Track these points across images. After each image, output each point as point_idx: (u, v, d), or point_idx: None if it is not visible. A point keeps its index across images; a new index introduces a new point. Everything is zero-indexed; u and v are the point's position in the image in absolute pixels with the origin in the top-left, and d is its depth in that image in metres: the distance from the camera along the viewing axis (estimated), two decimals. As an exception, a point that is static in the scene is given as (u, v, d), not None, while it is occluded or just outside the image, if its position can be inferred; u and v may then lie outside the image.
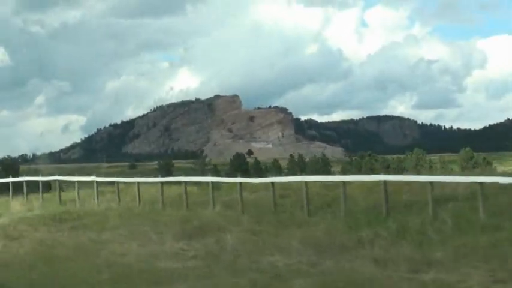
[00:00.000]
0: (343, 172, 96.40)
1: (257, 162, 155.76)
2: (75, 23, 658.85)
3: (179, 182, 29.51)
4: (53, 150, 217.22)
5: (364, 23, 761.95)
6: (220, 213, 22.69)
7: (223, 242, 16.44)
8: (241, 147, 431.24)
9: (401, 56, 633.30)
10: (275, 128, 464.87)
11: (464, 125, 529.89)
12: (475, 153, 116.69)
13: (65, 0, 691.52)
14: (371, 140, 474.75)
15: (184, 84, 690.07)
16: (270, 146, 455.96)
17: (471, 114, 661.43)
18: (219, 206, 25.05)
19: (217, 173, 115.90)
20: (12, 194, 38.14)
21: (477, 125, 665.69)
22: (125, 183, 33.79)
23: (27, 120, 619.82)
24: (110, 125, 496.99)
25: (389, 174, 25.82)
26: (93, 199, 31.97)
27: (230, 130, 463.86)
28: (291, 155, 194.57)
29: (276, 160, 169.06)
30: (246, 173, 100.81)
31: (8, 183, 39.62)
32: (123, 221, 21.89)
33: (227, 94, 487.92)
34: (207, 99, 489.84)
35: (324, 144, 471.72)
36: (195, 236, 17.79)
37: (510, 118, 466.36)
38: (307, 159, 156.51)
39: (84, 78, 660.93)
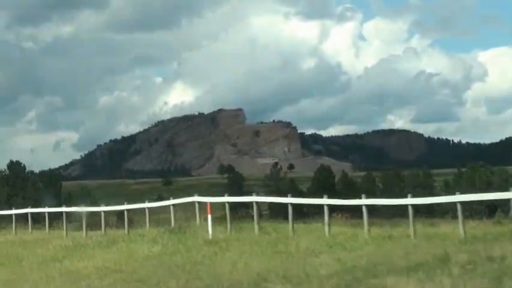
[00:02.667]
0: (452, 187, 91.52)
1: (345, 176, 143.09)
2: (68, 38, 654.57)
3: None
4: (45, 168, 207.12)
5: (362, 36, 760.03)
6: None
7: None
8: (246, 163, 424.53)
9: (401, 69, 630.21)
10: (280, 143, 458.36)
11: (464, 139, 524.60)
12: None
13: (58, 14, 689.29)
14: (378, 154, 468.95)
15: (178, 98, 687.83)
16: (275, 161, 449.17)
17: (470, 129, 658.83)
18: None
19: (296, 190, 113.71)
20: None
21: (476, 139, 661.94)
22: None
23: (17, 136, 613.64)
24: (111, 141, 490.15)
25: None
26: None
27: (234, 145, 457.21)
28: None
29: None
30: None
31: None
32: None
33: (230, 108, 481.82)
34: (210, 114, 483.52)
35: (331, 159, 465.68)
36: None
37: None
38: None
39: (76, 93, 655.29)
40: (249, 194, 28.44)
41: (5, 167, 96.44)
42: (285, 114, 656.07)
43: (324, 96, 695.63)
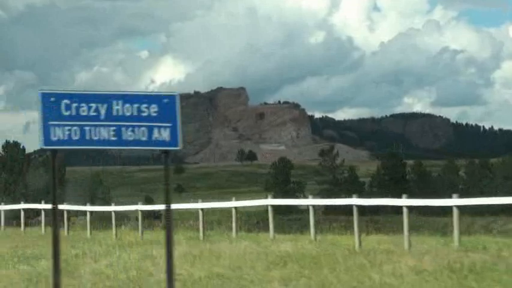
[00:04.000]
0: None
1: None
2: (42, 6, 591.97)
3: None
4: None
5: (377, 7, 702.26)
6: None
7: None
8: (249, 149, 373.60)
9: (420, 45, 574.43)
10: (288, 127, 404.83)
11: (495, 125, 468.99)
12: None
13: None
14: (397, 141, 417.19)
15: (167, 76, 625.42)
16: (282, 147, 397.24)
17: (499, 113, 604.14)
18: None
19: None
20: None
21: (506, 125, 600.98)
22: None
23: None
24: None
25: None
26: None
27: (235, 129, 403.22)
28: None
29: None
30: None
31: None
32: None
33: (231, 87, 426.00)
34: (208, 93, 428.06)
35: (345, 146, 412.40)
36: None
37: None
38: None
39: (51, 69, 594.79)
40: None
41: None
42: (286, 94, 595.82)
43: (332, 75, 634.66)
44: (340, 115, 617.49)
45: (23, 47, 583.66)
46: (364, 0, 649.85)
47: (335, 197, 57.36)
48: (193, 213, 31.76)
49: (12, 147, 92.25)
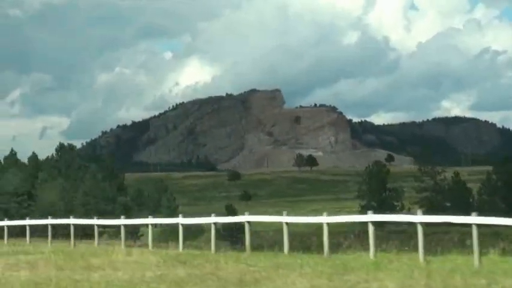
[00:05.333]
0: None
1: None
2: (61, 4, 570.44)
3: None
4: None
5: (414, 6, 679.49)
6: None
7: None
8: (284, 156, 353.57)
9: (460, 45, 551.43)
10: (326, 132, 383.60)
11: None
12: None
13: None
14: (440, 147, 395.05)
15: (192, 78, 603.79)
16: (320, 153, 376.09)
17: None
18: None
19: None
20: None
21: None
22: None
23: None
24: (118, 126, 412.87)
25: None
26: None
27: (270, 134, 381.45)
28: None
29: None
30: None
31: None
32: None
33: (265, 89, 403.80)
34: (240, 95, 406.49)
35: (387, 152, 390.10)
36: None
37: None
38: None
39: (70, 71, 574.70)
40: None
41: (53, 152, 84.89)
42: (318, 97, 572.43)
43: (367, 77, 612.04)
44: (376, 120, 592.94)
45: (40, 48, 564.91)
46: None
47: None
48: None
49: (67, 150, 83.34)
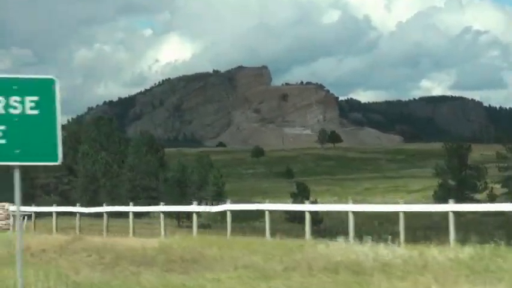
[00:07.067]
0: None
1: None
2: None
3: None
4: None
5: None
6: None
7: None
8: (271, 134, 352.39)
9: (441, 25, 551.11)
10: (314, 110, 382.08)
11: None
12: None
13: None
14: (427, 126, 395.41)
15: (172, 55, 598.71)
16: (308, 131, 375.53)
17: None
18: None
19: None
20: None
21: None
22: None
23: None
24: (105, 103, 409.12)
25: None
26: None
27: (257, 111, 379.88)
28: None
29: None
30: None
31: None
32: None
33: (252, 65, 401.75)
34: (227, 72, 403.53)
35: (375, 131, 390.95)
36: None
37: None
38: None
39: (48, 46, 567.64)
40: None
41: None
42: (297, 75, 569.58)
43: (346, 55, 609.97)
44: (358, 98, 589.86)
45: (18, 23, 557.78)
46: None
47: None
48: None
49: (107, 122, 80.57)
